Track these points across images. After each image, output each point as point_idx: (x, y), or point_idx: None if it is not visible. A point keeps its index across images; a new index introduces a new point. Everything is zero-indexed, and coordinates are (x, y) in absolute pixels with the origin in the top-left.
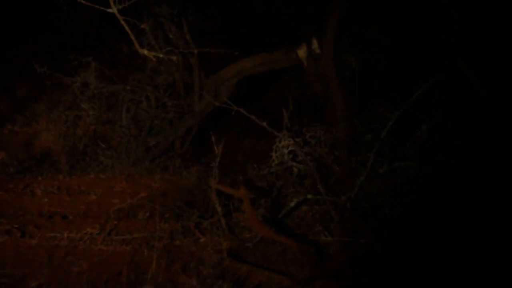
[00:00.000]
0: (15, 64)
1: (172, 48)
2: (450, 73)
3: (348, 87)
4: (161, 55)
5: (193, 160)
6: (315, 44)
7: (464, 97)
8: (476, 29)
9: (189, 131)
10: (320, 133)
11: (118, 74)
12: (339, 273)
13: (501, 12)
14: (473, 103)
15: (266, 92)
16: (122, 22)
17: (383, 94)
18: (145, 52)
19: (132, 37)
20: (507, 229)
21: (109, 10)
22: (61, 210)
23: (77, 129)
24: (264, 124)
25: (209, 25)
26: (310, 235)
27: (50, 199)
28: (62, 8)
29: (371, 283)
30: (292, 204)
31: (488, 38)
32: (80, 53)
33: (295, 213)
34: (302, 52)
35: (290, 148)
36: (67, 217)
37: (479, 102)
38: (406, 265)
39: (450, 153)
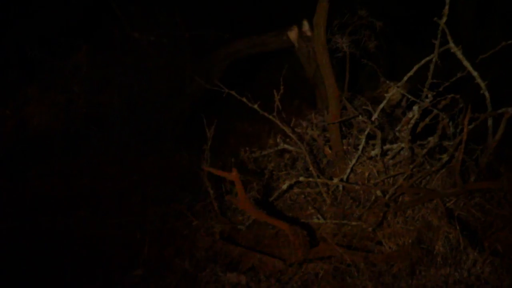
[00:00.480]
0: (6, 47)
1: (163, 31)
2: (441, 54)
3: (339, 69)
4: (152, 38)
5: (185, 143)
6: (306, 26)
7: (454, 77)
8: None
9: (181, 114)
10: (312, 116)
11: (109, 57)
12: (332, 255)
13: None
14: (464, 85)
15: (258, 75)
16: (114, 5)
17: (375, 76)
18: (137, 35)
19: (124, 20)
20: None
21: None
22: (53, 194)
23: (69, 113)
24: (255, 106)
25: (201, 8)
26: (303, 217)
27: (42, 183)
28: None
29: (364, 266)
30: (284, 186)
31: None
32: (71, 36)
33: (287, 195)
34: (293, 34)
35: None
36: (60, 200)
37: (470, 83)
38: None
39: (442, 135)
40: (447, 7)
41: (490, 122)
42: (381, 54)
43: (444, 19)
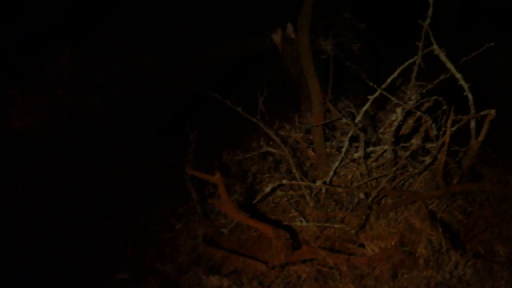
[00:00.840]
0: None
1: (147, 34)
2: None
3: (323, 72)
4: (136, 42)
5: (169, 146)
6: (289, 28)
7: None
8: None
9: (164, 117)
10: (295, 118)
11: (93, 61)
12: (314, 258)
13: None
14: (447, 87)
15: (242, 78)
16: (97, 9)
17: (358, 78)
18: (120, 38)
19: (108, 24)
20: None
21: None
22: (36, 197)
23: (52, 116)
24: (239, 109)
25: (184, 11)
26: (286, 220)
27: (24, 186)
28: None
29: (347, 268)
30: (268, 189)
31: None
32: (55, 40)
33: (270, 198)
34: (277, 37)
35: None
36: (43, 203)
37: (453, 85)
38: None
39: (425, 137)
40: (430, 9)
41: (473, 124)
42: (364, 56)
43: (428, 21)
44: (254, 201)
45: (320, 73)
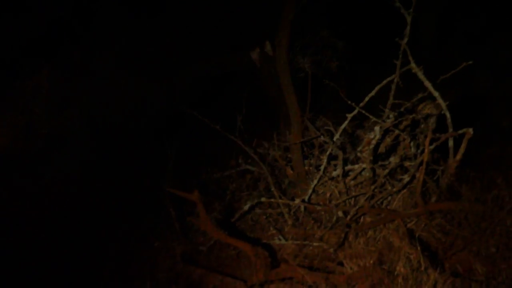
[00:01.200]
0: None
1: (124, 52)
2: (402, 74)
3: (301, 90)
4: (113, 59)
5: (147, 163)
6: (268, 46)
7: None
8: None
9: (143, 134)
10: (274, 136)
11: (71, 78)
12: (293, 276)
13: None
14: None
15: (220, 95)
16: (75, 26)
17: (336, 96)
18: (98, 56)
19: (85, 41)
20: None
21: None
22: (14, 213)
23: (30, 133)
24: (217, 127)
25: (163, 28)
26: (264, 238)
27: (2, 203)
28: (12, 10)
29: (326, 286)
30: (246, 207)
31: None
32: (32, 57)
33: (249, 216)
34: (255, 55)
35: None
36: (21, 220)
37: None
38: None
39: (403, 155)
40: (408, 27)
41: (451, 142)
42: (343, 75)
43: (406, 39)
44: (233, 219)
45: (298, 91)
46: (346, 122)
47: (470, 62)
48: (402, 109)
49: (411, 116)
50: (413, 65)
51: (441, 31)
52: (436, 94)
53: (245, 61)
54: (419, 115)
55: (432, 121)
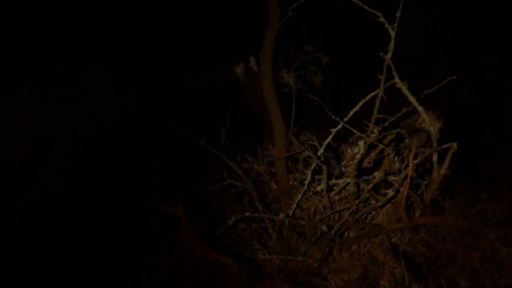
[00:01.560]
0: None
1: (109, 66)
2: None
3: (285, 104)
4: (98, 74)
5: (131, 178)
6: (252, 61)
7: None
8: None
9: (127, 149)
10: (258, 151)
11: (55, 92)
12: None
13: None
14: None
15: (205, 110)
16: (59, 41)
17: (321, 111)
18: (83, 70)
19: (70, 56)
20: None
21: None
22: None
23: (14, 148)
24: (202, 142)
25: (147, 42)
26: (249, 253)
27: None
28: None
29: None
30: (230, 222)
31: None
32: (16, 72)
33: (233, 231)
34: (239, 70)
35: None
36: (5, 234)
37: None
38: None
39: (388, 170)
40: (392, 42)
41: (435, 157)
42: (327, 89)
43: (390, 54)
44: (217, 234)
45: (282, 106)
46: (330, 136)
47: (454, 77)
48: (386, 124)
49: (395, 131)
50: (397, 80)
51: (425, 45)
52: (420, 109)
53: (229, 76)
54: (419, 128)
55: (435, 133)
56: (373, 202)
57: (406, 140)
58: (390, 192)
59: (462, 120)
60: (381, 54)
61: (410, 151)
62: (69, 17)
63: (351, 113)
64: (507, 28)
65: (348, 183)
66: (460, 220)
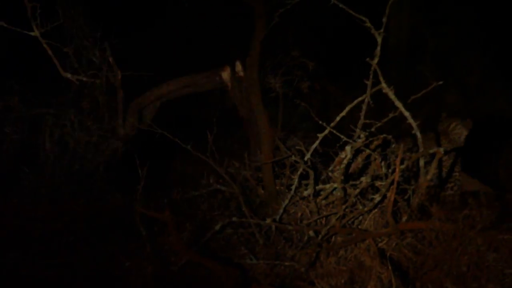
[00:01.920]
0: None
1: (95, 71)
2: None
3: (272, 109)
4: (84, 79)
5: (119, 183)
6: (238, 66)
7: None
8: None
9: (114, 155)
10: (245, 156)
11: (42, 98)
12: None
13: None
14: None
15: (191, 115)
16: (45, 46)
17: (307, 116)
18: (68, 75)
19: (55, 61)
20: None
21: (32, 34)
22: None
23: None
24: (188, 147)
25: (133, 48)
26: (235, 258)
27: None
28: None
29: None
30: (217, 227)
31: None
32: (2, 77)
33: (220, 236)
34: (226, 75)
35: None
36: None
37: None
38: None
39: (374, 175)
40: (378, 47)
41: (422, 162)
42: (314, 94)
43: (376, 59)
44: (204, 239)
45: (269, 111)
46: (317, 142)
47: (441, 83)
48: (373, 129)
49: (382, 136)
50: (383, 85)
51: (412, 50)
52: (406, 114)
53: (216, 81)
54: (450, 136)
55: (462, 140)
56: (360, 207)
57: (393, 145)
58: (377, 197)
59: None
60: (367, 59)
61: (396, 156)
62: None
63: (338, 118)
64: (494, 32)
65: (335, 188)
66: (447, 225)
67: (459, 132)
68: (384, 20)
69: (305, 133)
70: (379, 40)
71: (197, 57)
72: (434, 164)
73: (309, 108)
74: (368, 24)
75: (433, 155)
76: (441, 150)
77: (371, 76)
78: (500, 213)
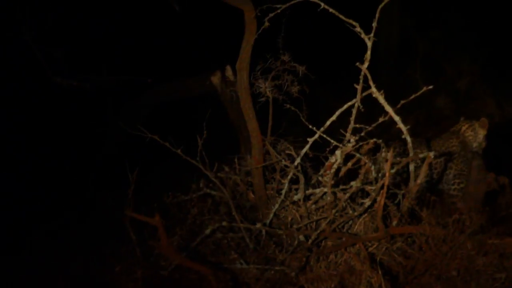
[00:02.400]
0: None
1: (85, 76)
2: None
3: (262, 114)
4: (74, 83)
5: (109, 187)
6: (229, 71)
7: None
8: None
9: (104, 159)
10: (235, 161)
11: (29, 103)
12: None
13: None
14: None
15: (182, 119)
16: (35, 49)
17: (298, 120)
18: (59, 79)
19: (45, 65)
20: None
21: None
22: None
23: None
24: (178, 151)
25: (124, 53)
26: (226, 262)
27: None
28: None
29: None
30: (207, 231)
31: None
32: None
33: (210, 240)
34: (216, 79)
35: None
36: None
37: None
38: None
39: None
40: (369, 52)
41: (412, 166)
42: (304, 99)
43: (366, 64)
44: (194, 243)
45: (259, 115)
46: (307, 146)
47: (431, 87)
48: (363, 134)
49: (372, 140)
50: (373, 89)
51: (402, 55)
52: (396, 118)
53: (206, 86)
54: (463, 138)
55: (480, 139)
56: (350, 212)
57: (383, 150)
58: (367, 202)
59: (438, 130)
60: (357, 64)
61: (387, 160)
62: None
63: (328, 123)
64: (483, 37)
65: (325, 193)
66: (437, 229)
67: (473, 134)
68: (374, 24)
69: (295, 137)
70: (369, 44)
71: (187, 61)
72: (424, 168)
73: (299, 113)
74: (359, 29)
75: (423, 160)
76: (431, 154)
77: (361, 81)
78: (490, 217)
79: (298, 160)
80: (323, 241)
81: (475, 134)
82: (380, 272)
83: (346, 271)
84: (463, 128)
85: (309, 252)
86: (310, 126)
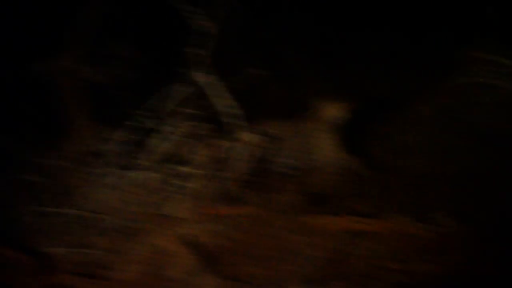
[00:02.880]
0: None
1: None
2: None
3: (87, 100)
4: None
5: None
6: (62, 58)
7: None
8: None
9: None
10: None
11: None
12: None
13: None
14: None
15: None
16: None
17: (125, 105)
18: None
19: None
20: None
21: None
22: None
23: None
24: None
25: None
26: (34, 245)
27: None
28: None
29: None
30: (16, 215)
31: None
32: None
33: (20, 224)
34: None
35: None
36: None
37: None
38: None
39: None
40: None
41: (238, 149)
42: (133, 84)
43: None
44: (1, 228)
45: (85, 101)
46: (127, 130)
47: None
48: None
49: (191, 124)
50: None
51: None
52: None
53: (39, 72)
54: (322, 119)
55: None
56: (172, 193)
57: (205, 132)
58: (189, 184)
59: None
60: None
61: (207, 143)
62: None
63: (148, 107)
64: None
65: (142, 174)
66: (257, 210)
67: (331, 114)
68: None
69: (119, 122)
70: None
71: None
72: (247, 150)
73: (126, 98)
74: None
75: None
76: (253, 137)
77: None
78: (311, 196)
79: (113, 144)
80: (138, 223)
81: (332, 115)
82: (197, 253)
83: (162, 253)
84: (322, 110)
85: (122, 234)
86: (129, 110)
